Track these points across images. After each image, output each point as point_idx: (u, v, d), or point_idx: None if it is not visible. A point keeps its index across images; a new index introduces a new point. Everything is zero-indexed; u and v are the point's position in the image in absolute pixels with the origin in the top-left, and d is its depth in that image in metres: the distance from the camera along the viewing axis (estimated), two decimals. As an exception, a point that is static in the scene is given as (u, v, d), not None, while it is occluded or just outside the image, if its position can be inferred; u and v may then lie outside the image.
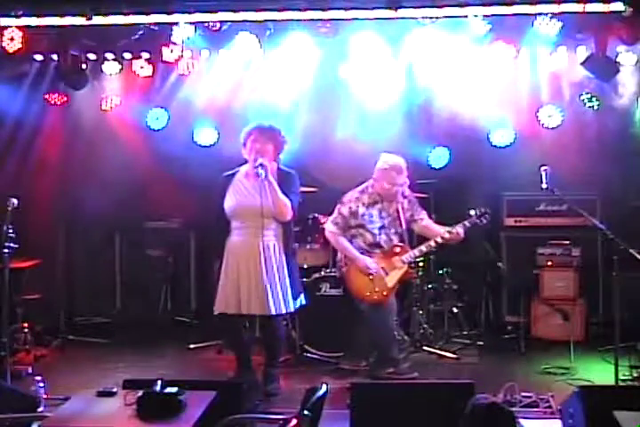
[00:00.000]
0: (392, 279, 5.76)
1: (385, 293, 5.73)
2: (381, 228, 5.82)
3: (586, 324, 6.80)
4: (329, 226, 5.85)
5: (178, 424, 3.42)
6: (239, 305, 5.26)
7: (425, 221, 5.97)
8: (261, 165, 5.18)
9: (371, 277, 5.70)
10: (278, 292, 5.27)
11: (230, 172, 5.49)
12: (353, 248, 5.78)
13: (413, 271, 6.13)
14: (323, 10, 6.45)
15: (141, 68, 7.22)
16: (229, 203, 5.38)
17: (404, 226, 5.87)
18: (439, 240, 5.77)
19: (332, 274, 6.33)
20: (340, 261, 5.97)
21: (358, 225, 5.79)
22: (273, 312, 5.26)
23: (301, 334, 6.30)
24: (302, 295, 5.55)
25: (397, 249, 5.83)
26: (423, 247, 5.83)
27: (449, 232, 5.74)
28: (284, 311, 5.33)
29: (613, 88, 6.99)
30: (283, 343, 5.69)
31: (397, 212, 5.85)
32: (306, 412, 3.04)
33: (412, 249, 5.84)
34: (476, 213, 5.82)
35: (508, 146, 7.25)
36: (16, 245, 5.37)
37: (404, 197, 5.91)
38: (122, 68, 7.25)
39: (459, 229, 5.75)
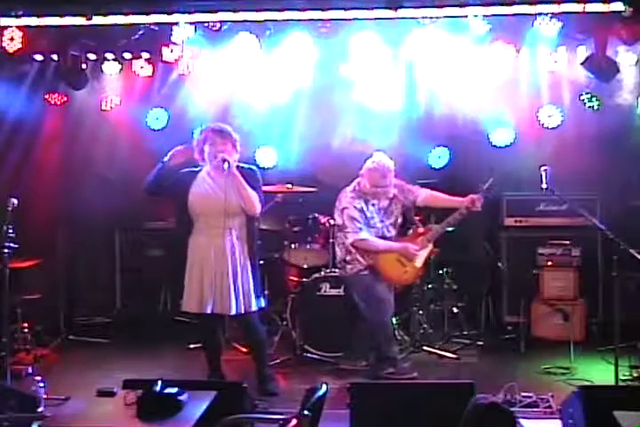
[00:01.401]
0: (420, 259, 5.83)
1: (415, 271, 5.85)
2: (381, 221, 5.85)
3: (586, 324, 6.80)
4: (355, 236, 5.73)
5: (178, 424, 3.41)
6: (201, 305, 5.25)
7: (423, 194, 5.95)
8: (224, 159, 5.20)
9: (400, 258, 5.78)
10: (240, 292, 5.27)
11: (193, 169, 5.44)
12: (388, 242, 5.81)
13: (436, 249, 6.08)
14: (323, 10, 6.45)
15: (141, 68, 7.23)
16: (193, 202, 5.34)
17: (399, 216, 5.92)
18: (464, 212, 5.74)
19: (332, 274, 6.34)
20: (341, 261, 5.95)
21: (367, 223, 5.81)
22: (233, 312, 5.25)
23: (301, 334, 6.31)
24: (262, 298, 5.50)
25: (421, 229, 5.91)
26: (444, 224, 5.86)
27: (468, 204, 5.70)
28: (242, 311, 5.28)
29: (613, 88, 6.98)
30: (265, 343, 5.68)
31: (390, 204, 5.89)
32: (306, 412, 3.04)
33: (433, 227, 5.93)
34: (487, 186, 5.79)
35: (507, 146, 7.26)
36: (16, 245, 5.37)
37: (393, 186, 5.91)
38: (122, 68, 7.26)
39: (478, 202, 5.71)
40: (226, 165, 5.18)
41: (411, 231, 5.95)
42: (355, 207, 5.77)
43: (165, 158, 5.40)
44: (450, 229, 5.99)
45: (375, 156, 5.85)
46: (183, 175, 5.39)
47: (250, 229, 5.40)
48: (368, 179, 5.79)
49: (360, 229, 5.75)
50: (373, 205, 5.85)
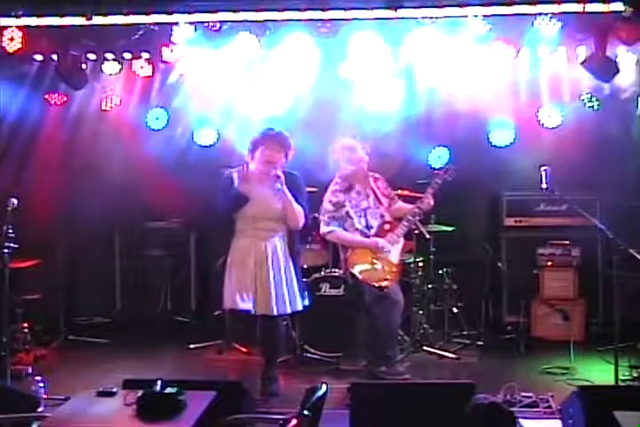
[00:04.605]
0: (395, 256, 5.76)
1: (394, 270, 5.75)
2: (367, 208, 5.81)
3: (586, 324, 6.82)
4: (324, 229, 5.79)
5: (178, 424, 3.41)
6: (247, 303, 5.28)
7: (398, 204, 6.02)
8: (277, 176, 5.24)
9: (373, 260, 5.71)
10: (284, 292, 5.32)
11: (235, 169, 5.45)
12: (358, 236, 5.75)
13: (411, 243, 6.01)
14: (323, 10, 6.45)
15: (141, 68, 7.22)
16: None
17: (384, 204, 5.89)
18: (421, 206, 5.78)
19: (332, 274, 6.35)
20: (343, 261, 5.94)
21: (346, 214, 5.76)
22: (275, 313, 5.29)
23: (301, 334, 6.31)
24: (306, 294, 5.62)
25: (387, 226, 5.82)
26: (409, 216, 5.82)
27: (427, 194, 5.78)
28: (288, 311, 5.38)
29: (613, 88, 6.98)
30: (282, 344, 5.71)
31: (373, 191, 5.87)
32: (306, 412, 3.04)
33: (399, 222, 5.85)
34: (442, 170, 5.88)
35: (507, 146, 7.26)
36: (16, 245, 5.38)
37: (377, 178, 5.95)
38: (122, 68, 7.23)
39: (428, 196, 5.77)
40: (278, 184, 5.23)
41: (377, 228, 5.81)
42: (330, 201, 5.78)
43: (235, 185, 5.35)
44: (447, 228, 5.97)
45: (335, 144, 5.88)
46: (231, 177, 5.41)
47: (292, 233, 5.46)
48: (339, 161, 5.80)
49: (329, 222, 5.75)
50: (359, 192, 5.82)
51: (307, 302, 5.58)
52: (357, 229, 5.78)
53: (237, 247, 5.40)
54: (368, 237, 5.78)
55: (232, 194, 5.33)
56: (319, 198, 6.66)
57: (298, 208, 5.34)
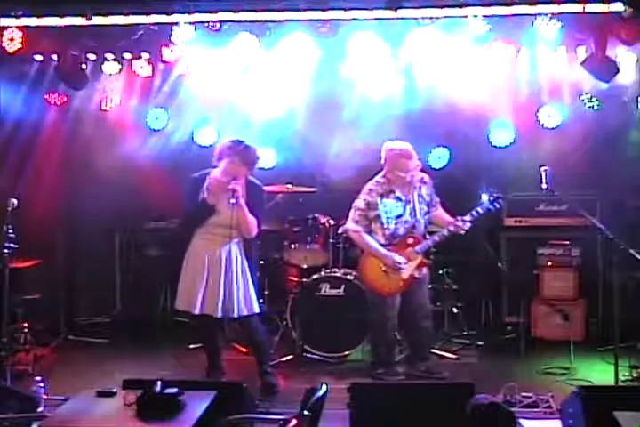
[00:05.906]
0: (407, 271, 5.73)
1: (400, 284, 5.72)
2: (399, 217, 5.75)
3: (586, 324, 6.81)
4: (350, 225, 5.76)
5: (178, 424, 3.42)
6: (195, 305, 5.34)
7: (439, 210, 5.93)
8: (234, 190, 5.25)
9: (384, 268, 5.69)
10: (239, 295, 5.35)
11: (199, 174, 5.50)
12: (378, 245, 5.72)
13: (428, 261, 5.93)
14: (323, 10, 6.45)
15: (141, 68, 7.21)
16: None
17: (418, 215, 5.80)
18: (452, 229, 5.70)
19: (332, 274, 6.35)
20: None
21: (375, 217, 5.72)
22: (220, 315, 5.34)
23: (301, 334, 6.31)
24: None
25: (410, 240, 5.77)
26: (436, 237, 5.78)
27: (462, 220, 5.68)
28: (245, 313, 5.38)
29: (613, 88, 6.98)
30: (266, 344, 5.75)
31: (413, 199, 5.80)
32: (306, 412, 3.05)
33: (424, 239, 5.81)
34: (488, 199, 5.78)
35: (507, 146, 7.26)
36: (16, 245, 5.39)
37: (424, 182, 5.87)
38: (122, 68, 7.23)
39: (465, 219, 5.69)
40: (233, 200, 5.24)
41: (401, 239, 5.78)
42: (364, 200, 5.73)
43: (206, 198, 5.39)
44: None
45: (391, 144, 5.78)
46: (197, 182, 5.45)
47: (249, 239, 5.48)
48: (392, 165, 5.71)
49: (357, 221, 5.72)
50: (398, 198, 5.73)
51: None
52: (384, 235, 5.74)
53: (194, 250, 5.46)
54: (391, 244, 5.75)
55: (200, 204, 5.38)
56: (319, 198, 6.68)
57: (251, 219, 5.34)
